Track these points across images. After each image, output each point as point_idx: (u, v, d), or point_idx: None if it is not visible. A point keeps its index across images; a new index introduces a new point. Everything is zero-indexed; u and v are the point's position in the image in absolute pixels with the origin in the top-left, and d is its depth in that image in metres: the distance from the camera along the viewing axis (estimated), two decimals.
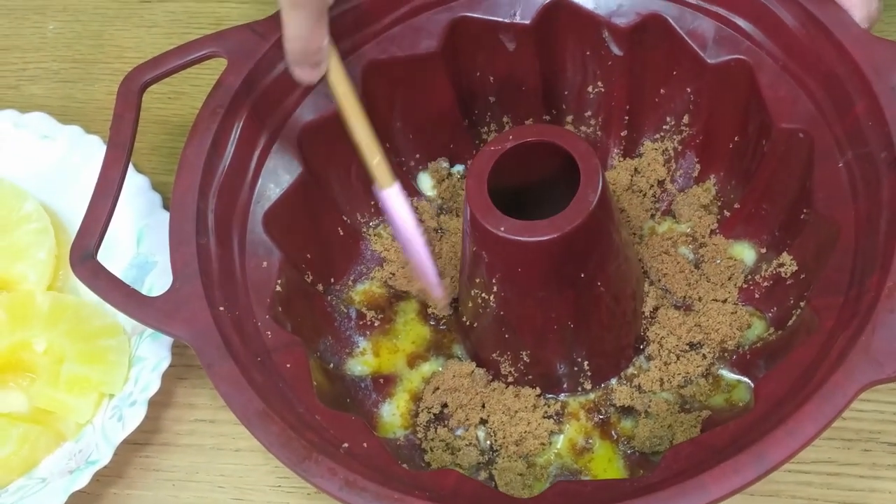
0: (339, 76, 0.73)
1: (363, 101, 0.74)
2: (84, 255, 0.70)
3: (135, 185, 0.86)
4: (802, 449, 0.58)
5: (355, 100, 0.73)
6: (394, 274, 0.82)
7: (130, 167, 0.81)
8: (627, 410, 0.75)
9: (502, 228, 0.67)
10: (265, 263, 0.73)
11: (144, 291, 0.81)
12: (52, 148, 0.91)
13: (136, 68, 0.76)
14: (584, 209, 0.66)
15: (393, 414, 0.77)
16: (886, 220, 0.65)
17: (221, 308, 0.69)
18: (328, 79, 0.73)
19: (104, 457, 0.75)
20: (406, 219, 0.74)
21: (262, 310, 0.71)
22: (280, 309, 0.73)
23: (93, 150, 0.89)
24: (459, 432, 0.75)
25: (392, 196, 0.74)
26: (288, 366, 0.69)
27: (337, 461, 0.62)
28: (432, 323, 0.81)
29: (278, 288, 0.73)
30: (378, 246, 0.83)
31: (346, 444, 0.64)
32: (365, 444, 0.65)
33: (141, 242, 0.85)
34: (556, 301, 0.71)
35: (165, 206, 0.86)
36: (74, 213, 0.85)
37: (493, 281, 0.71)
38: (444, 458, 0.74)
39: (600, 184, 0.67)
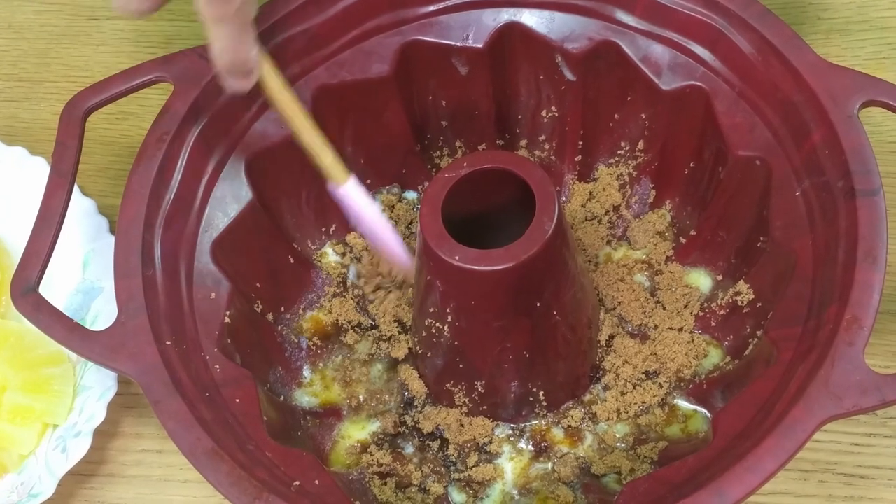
0: (273, 82, 0.72)
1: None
2: (26, 289, 0.68)
3: (80, 208, 0.84)
4: (762, 485, 0.58)
5: (296, 103, 0.73)
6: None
7: (76, 190, 0.80)
8: (581, 435, 0.75)
9: (457, 257, 0.66)
10: (213, 294, 0.72)
11: (90, 318, 0.80)
12: None
13: (79, 94, 0.75)
14: (539, 238, 0.65)
15: (343, 447, 0.76)
16: (844, 250, 0.65)
17: (168, 342, 0.68)
18: (263, 85, 0.72)
19: (47, 489, 0.74)
20: (370, 208, 0.75)
21: (210, 343, 0.70)
22: (229, 341, 0.72)
23: (38, 173, 0.87)
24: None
25: (351, 190, 0.74)
26: (237, 401, 0.68)
27: (288, 501, 0.61)
28: (381, 356, 0.80)
29: (227, 319, 0.72)
30: (332, 272, 0.82)
31: (297, 482, 0.63)
32: (317, 482, 0.64)
33: (87, 267, 0.84)
34: (511, 330, 0.70)
35: (112, 231, 0.84)
36: (19, 237, 0.83)
37: (448, 310, 0.70)
38: (396, 496, 0.73)
39: (556, 212, 0.66)
